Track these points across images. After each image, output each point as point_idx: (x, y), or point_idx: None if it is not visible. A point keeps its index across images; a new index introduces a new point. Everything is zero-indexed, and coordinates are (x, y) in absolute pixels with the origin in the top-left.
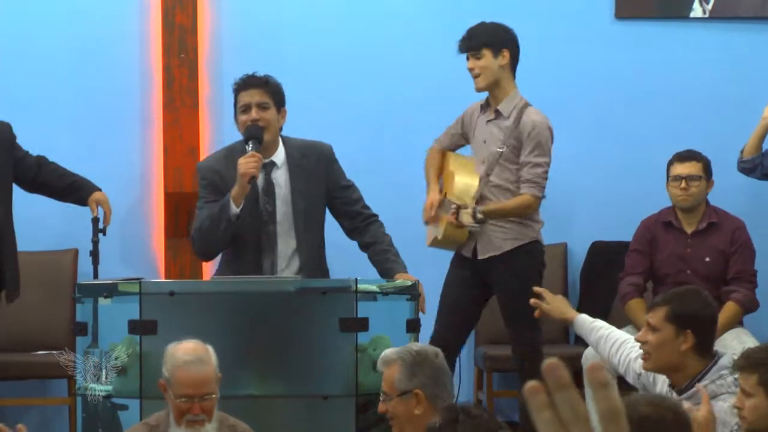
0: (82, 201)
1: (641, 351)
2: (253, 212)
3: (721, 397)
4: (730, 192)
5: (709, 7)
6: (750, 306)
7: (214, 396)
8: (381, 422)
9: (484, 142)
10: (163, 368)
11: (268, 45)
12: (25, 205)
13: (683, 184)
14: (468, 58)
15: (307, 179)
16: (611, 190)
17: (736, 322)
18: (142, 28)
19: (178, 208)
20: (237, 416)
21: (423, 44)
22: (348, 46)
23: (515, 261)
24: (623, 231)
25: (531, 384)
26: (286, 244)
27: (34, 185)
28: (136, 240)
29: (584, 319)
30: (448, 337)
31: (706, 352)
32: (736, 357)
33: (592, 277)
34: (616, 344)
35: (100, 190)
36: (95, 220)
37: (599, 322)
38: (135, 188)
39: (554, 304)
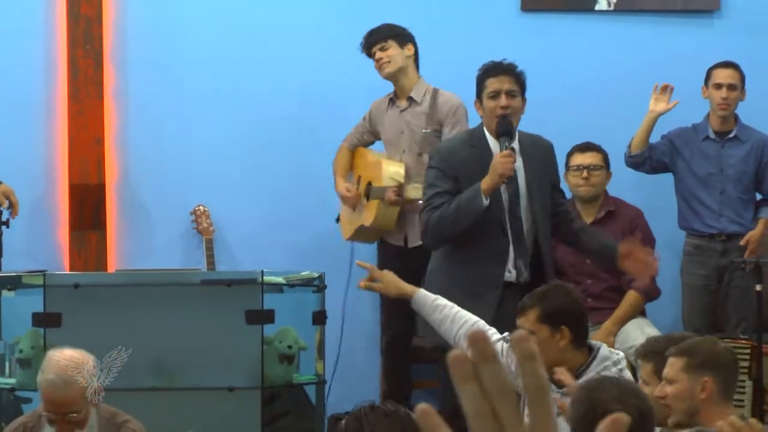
0: None
1: (496, 335)
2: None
3: None
4: (628, 183)
5: None
6: (651, 294)
7: (77, 414)
8: (286, 414)
9: (402, 132)
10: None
11: (173, 35)
12: None
13: (585, 174)
14: (374, 54)
15: (537, 165)
16: None
17: (639, 312)
18: (46, 19)
19: (83, 199)
20: (140, 408)
21: (326, 37)
22: (251, 37)
23: None
24: None
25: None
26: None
27: None
28: (41, 232)
29: (425, 295)
30: (404, 329)
31: (582, 345)
32: (621, 348)
33: None
34: (466, 325)
35: (1, 182)
36: None
37: (441, 300)
38: (39, 180)
39: (386, 279)
